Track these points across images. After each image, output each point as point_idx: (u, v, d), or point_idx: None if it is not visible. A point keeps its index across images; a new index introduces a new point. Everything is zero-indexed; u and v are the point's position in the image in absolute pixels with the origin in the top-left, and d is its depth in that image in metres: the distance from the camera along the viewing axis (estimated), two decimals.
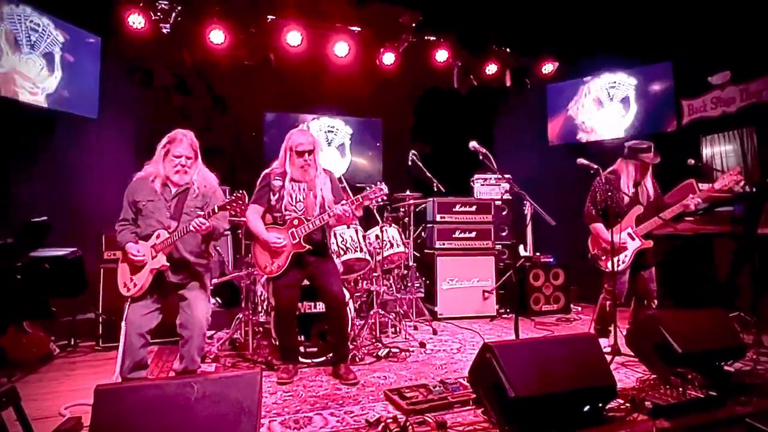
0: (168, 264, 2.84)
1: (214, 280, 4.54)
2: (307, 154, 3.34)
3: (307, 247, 3.29)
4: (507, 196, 6.64)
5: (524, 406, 2.25)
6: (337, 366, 3.38)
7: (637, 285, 3.85)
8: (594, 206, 3.86)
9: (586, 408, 2.42)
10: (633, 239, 3.75)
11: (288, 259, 3.30)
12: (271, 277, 3.41)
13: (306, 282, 3.51)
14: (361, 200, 3.27)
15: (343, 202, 3.29)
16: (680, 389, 2.73)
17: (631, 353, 3.35)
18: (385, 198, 3.31)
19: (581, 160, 3.82)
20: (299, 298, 3.51)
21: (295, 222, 3.29)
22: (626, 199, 3.79)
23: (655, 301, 3.86)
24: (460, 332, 4.82)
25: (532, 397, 2.27)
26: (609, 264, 3.65)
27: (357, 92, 7.05)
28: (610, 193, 3.79)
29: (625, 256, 3.75)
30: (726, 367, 3.07)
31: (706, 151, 5.83)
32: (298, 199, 3.37)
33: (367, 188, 3.31)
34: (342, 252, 4.14)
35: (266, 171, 3.48)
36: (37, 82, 4.67)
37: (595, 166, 3.77)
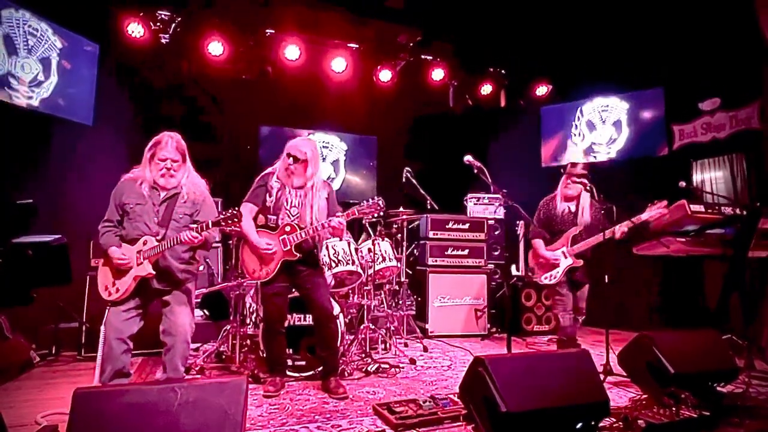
0: (154, 272, 2.77)
1: (203, 290, 4.47)
2: (292, 159, 3.27)
3: (298, 255, 3.23)
4: (499, 215, 6.66)
5: (516, 422, 2.20)
6: (326, 380, 3.30)
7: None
8: (538, 224, 4.16)
9: (579, 425, 2.38)
10: (566, 257, 3.98)
11: (277, 266, 3.24)
12: (260, 283, 3.34)
13: (296, 293, 3.46)
14: (356, 213, 3.21)
15: (339, 213, 3.24)
16: (673, 409, 2.70)
17: (624, 373, 3.32)
18: (381, 214, 3.26)
19: (574, 179, 3.91)
20: (288, 309, 3.45)
21: (288, 229, 3.23)
22: (563, 218, 4.04)
23: (581, 318, 4.11)
24: (451, 350, 4.76)
25: (524, 412, 2.22)
26: (542, 277, 4.06)
27: (353, 108, 7.10)
28: (550, 213, 4.10)
29: (557, 272, 3.97)
30: (719, 389, 3.04)
31: (697, 177, 5.90)
32: (293, 205, 3.30)
33: (363, 202, 3.23)
34: (334, 264, 4.09)
35: (266, 171, 3.42)
36: (33, 87, 4.64)
37: (588, 184, 3.82)
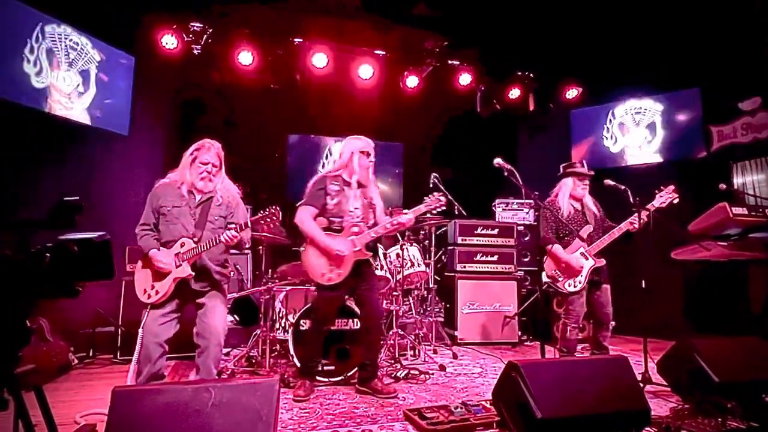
0: (193, 273, 2.83)
1: (234, 295, 4.53)
2: (372, 156, 3.43)
3: (370, 254, 3.31)
4: (529, 221, 6.53)
5: (552, 429, 2.13)
6: (372, 381, 3.32)
7: (594, 309, 3.80)
8: (548, 230, 3.85)
9: None
10: (587, 258, 3.74)
11: (351, 267, 3.24)
12: (328, 285, 3.28)
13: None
14: (422, 209, 3.29)
15: (406, 211, 3.31)
16: (719, 419, 2.57)
17: (663, 382, 3.19)
18: (444, 208, 3.32)
19: (608, 181, 3.81)
20: None
21: (355, 230, 3.26)
22: (571, 218, 3.82)
23: (612, 324, 3.85)
24: (481, 357, 4.68)
25: (561, 419, 2.15)
26: (566, 285, 3.71)
27: (379, 115, 7.09)
28: (557, 216, 3.82)
29: (581, 277, 3.71)
30: (767, 399, 2.88)
31: (737, 180, 5.67)
32: (355, 206, 3.35)
33: (426, 198, 3.31)
34: None
35: (322, 174, 3.46)
36: (72, 98, 4.83)
37: (623, 187, 3.71)
